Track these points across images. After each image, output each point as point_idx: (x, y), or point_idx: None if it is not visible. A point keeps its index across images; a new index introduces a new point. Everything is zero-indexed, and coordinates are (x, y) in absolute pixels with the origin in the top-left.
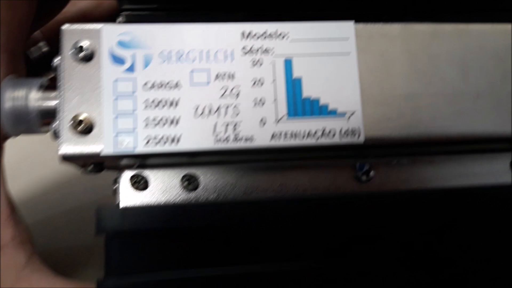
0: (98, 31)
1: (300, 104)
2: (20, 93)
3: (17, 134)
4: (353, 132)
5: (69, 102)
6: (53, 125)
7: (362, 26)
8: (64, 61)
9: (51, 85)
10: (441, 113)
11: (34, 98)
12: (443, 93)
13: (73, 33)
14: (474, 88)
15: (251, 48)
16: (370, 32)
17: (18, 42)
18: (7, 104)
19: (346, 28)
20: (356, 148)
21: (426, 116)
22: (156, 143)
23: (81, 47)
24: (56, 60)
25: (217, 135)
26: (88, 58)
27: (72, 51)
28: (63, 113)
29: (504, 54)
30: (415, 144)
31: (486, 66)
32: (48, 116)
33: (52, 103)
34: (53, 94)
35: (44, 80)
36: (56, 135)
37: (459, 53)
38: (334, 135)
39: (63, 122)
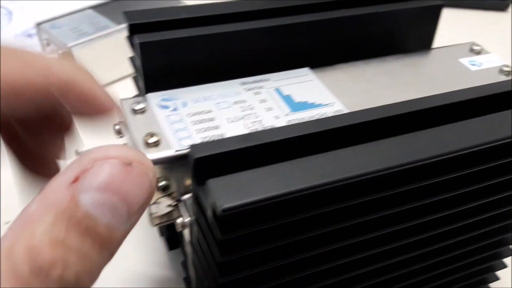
0: (146, 97)
1: (296, 105)
2: None
3: None
4: (337, 112)
5: (138, 133)
6: None
7: (314, 70)
8: (127, 116)
9: None
10: (388, 94)
11: None
12: (384, 86)
13: (128, 101)
14: (403, 80)
15: (249, 88)
16: (319, 70)
17: None
18: None
19: (304, 71)
20: None
21: (379, 99)
22: (209, 140)
23: (137, 104)
24: (117, 123)
25: (247, 129)
26: (143, 111)
27: (131, 110)
28: (137, 140)
29: (412, 62)
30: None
31: (403, 70)
32: None
33: None
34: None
35: None
36: None
37: (384, 69)
38: (327, 116)
39: (138, 144)
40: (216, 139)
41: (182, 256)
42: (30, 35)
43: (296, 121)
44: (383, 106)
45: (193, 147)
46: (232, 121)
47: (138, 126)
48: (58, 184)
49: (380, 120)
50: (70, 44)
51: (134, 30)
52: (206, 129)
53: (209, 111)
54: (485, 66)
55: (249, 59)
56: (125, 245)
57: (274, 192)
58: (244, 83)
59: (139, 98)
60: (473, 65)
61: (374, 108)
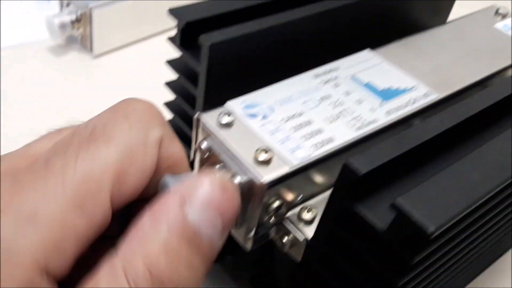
0: (226, 107)
1: (383, 92)
2: None
3: None
4: (427, 94)
5: (240, 149)
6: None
7: (374, 50)
8: (216, 133)
9: None
10: (459, 69)
11: None
12: (448, 59)
13: (213, 115)
14: (460, 52)
15: (325, 80)
16: (379, 51)
17: None
18: None
19: (367, 54)
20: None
21: (454, 75)
22: (320, 147)
23: (223, 117)
24: (204, 142)
25: (352, 127)
26: (230, 125)
27: (218, 124)
28: (243, 159)
29: (454, 34)
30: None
31: (452, 42)
32: None
33: None
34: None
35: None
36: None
37: (437, 43)
38: (420, 100)
39: (247, 163)
40: (328, 144)
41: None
42: None
43: (394, 111)
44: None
45: (355, 160)
46: (331, 121)
47: (235, 142)
48: (168, 203)
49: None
50: (91, 5)
51: (190, 30)
52: (310, 135)
53: (301, 113)
54: None
55: (311, 47)
56: None
57: (471, 203)
58: (316, 76)
59: (219, 110)
60: (508, 29)
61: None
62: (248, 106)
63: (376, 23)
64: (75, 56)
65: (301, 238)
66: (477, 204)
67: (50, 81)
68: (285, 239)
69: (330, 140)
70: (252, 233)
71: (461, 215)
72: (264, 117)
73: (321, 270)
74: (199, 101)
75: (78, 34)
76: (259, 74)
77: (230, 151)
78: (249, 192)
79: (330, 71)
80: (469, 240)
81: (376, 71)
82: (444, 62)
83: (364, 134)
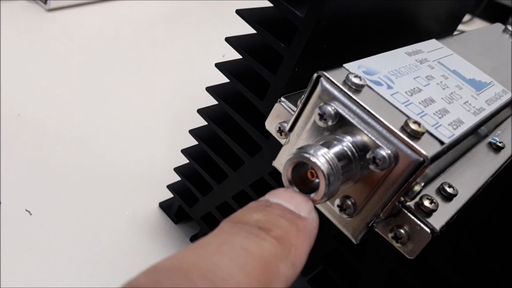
0: (348, 68)
1: (471, 82)
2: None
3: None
4: (504, 91)
5: (387, 119)
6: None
7: (439, 40)
8: (347, 94)
9: None
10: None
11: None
12: (500, 64)
13: (337, 75)
14: (505, 57)
15: (419, 60)
16: (445, 42)
17: None
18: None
19: (435, 43)
20: None
21: (503, 77)
22: (456, 128)
23: (355, 78)
24: (330, 106)
25: (468, 111)
26: (360, 89)
27: (346, 86)
28: (394, 129)
29: (487, 41)
30: None
31: (491, 48)
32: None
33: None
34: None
35: None
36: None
37: (482, 47)
38: (502, 96)
39: (400, 134)
40: (461, 126)
41: None
42: None
43: (491, 102)
44: None
45: None
46: (449, 103)
47: (374, 109)
48: None
49: None
50: None
51: None
52: (441, 114)
53: (419, 89)
54: None
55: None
56: None
57: None
58: (409, 54)
59: (340, 71)
60: None
61: None
62: (367, 72)
63: (402, 22)
64: (24, 7)
65: (427, 230)
66: None
67: None
68: (401, 231)
69: (460, 121)
70: (372, 221)
71: None
72: (389, 87)
73: (446, 267)
74: (287, 65)
75: None
76: (349, 42)
77: (374, 118)
78: (397, 168)
79: (417, 52)
80: None
81: (454, 61)
82: (494, 65)
83: (480, 120)
